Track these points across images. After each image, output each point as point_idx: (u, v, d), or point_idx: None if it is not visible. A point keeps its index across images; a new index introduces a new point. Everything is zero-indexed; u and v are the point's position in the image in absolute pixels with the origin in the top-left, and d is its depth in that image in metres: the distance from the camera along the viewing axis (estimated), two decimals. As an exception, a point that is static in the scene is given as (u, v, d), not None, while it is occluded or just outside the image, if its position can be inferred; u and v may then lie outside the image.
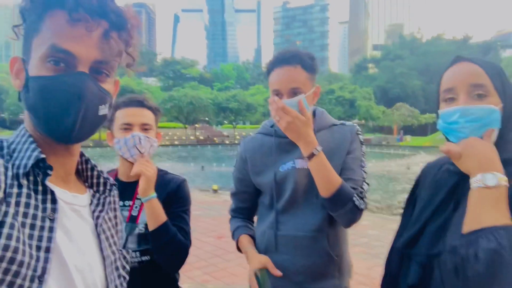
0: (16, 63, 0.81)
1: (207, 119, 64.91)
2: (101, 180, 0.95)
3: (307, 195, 1.64)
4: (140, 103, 1.68)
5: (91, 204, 0.90)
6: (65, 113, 0.74)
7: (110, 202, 0.95)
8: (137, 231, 1.62)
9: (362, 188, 1.64)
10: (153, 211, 1.55)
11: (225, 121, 68.08)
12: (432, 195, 1.19)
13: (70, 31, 0.74)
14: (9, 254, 0.65)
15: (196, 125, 62.58)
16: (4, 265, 0.65)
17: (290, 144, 1.64)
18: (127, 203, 1.67)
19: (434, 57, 75.59)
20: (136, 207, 1.65)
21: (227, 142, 54.87)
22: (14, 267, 0.66)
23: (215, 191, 11.81)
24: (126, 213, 1.64)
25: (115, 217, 0.99)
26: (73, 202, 0.84)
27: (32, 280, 0.68)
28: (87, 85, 0.75)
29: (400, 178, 16.43)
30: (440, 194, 1.16)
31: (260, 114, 61.95)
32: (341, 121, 1.81)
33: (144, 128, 1.66)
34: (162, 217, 1.56)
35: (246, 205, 1.88)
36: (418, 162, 21.06)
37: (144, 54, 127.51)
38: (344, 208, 1.52)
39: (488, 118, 1.06)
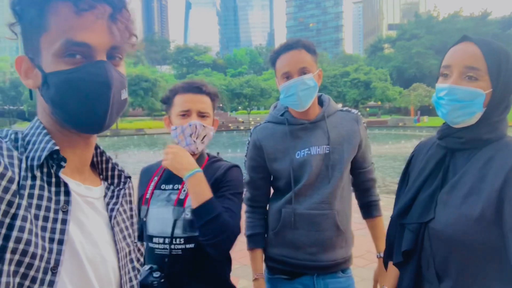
0: (23, 62, 0.79)
1: (221, 105, 64.94)
2: (116, 173, 0.95)
3: (321, 177, 1.82)
4: (199, 89, 1.65)
5: (105, 196, 0.90)
6: (96, 103, 0.74)
7: (124, 195, 0.95)
8: (183, 216, 1.57)
9: (373, 172, 2.01)
10: (194, 188, 1.49)
11: (240, 107, 68.06)
12: (422, 168, 1.27)
13: (80, 22, 0.73)
14: (21, 246, 0.66)
15: (211, 112, 62.60)
16: (17, 257, 0.65)
17: (303, 130, 1.85)
18: (177, 186, 1.64)
19: (451, 35, 73.59)
20: (184, 190, 1.61)
21: (241, 128, 54.94)
22: (26, 259, 0.66)
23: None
24: (175, 197, 1.61)
25: (131, 209, 0.98)
26: (87, 195, 0.84)
27: (45, 272, 0.69)
28: (110, 72, 0.76)
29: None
30: (429, 167, 1.24)
31: (275, 99, 61.47)
32: (346, 108, 1.99)
33: (202, 115, 1.64)
34: (206, 194, 1.49)
35: (262, 192, 1.97)
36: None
37: (158, 42, 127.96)
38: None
39: (470, 101, 1.12)
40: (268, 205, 1.98)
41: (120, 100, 0.80)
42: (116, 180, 0.95)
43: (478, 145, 1.16)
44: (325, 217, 1.80)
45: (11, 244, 0.65)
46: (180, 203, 1.59)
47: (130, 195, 0.99)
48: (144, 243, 1.27)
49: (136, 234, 0.98)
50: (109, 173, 0.95)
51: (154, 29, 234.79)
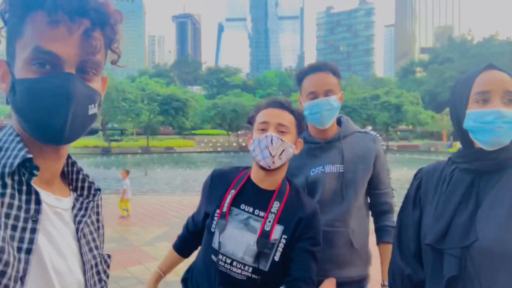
0: (1, 66, 0.79)
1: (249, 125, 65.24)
2: (86, 184, 0.94)
3: (334, 195, 1.88)
4: (280, 104, 1.61)
5: (73, 207, 0.89)
6: (54, 115, 0.73)
7: (93, 206, 0.94)
8: (266, 250, 1.51)
9: (392, 198, 2.02)
10: None
11: (268, 128, 68.05)
12: (450, 193, 1.27)
13: (52, 33, 0.73)
14: None
15: (239, 132, 63.19)
16: None
17: (319, 150, 1.94)
18: (258, 212, 1.56)
19: (486, 59, 71.85)
20: (269, 221, 1.53)
21: (269, 148, 54.79)
22: (0, 267, 0.65)
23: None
24: (256, 224, 1.54)
25: (98, 220, 0.98)
26: (56, 205, 0.83)
27: (16, 281, 0.68)
28: (74, 85, 0.74)
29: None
30: (459, 191, 1.25)
31: (303, 120, 61.37)
32: (364, 129, 2.06)
33: (280, 130, 1.55)
34: None
35: None
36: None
37: (190, 64, 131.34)
38: None
39: None
40: None
41: (84, 115, 0.78)
42: (85, 192, 0.94)
43: (507, 164, 1.21)
44: (339, 234, 1.86)
45: None
46: (266, 235, 1.51)
47: (98, 206, 0.98)
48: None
49: (102, 245, 0.97)
50: (79, 184, 0.94)
51: (187, 51, 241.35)
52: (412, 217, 1.37)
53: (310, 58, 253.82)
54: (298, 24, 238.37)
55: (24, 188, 0.75)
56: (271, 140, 1.51)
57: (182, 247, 1.85)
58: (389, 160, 2.11)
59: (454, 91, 1.33)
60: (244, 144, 58.71)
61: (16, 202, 0.72)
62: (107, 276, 0.97)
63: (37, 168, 0.75)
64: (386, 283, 1.80)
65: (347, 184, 1.88)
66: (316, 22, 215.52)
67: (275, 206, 1.55)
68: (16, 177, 0.74)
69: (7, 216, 0.70)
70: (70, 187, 0.93)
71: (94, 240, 0.93)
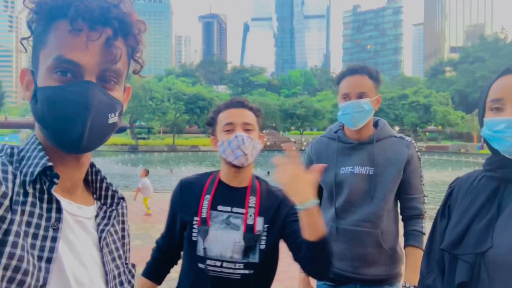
0: (26, 75, 0.81)
1: (274, 125, 65.34)
2: (109, 193, 0.94)
3: (364, 197, 1.94)
4: (241, 103, 1.65)
5: (97, 216, 0.89)
6: (72, 123, 0.74)
7: (117, 215, 0.95)
8: (253, 243, 1.54)
9: (423, 204, 2.02)
10: (313, 219, 1.31)
11: (292, 127, 68.01)
12: (472, 200, 1.25)
13: (73, 41, 0.74)
14: (14, 263, 0.65)
15: (263, 131, 63.19)
16: (9, 273, 0.64)
17: (351, 149, 2.00)
18: (236, 210, 1.59)
19: (521, 58, 69.42)
20: (250, 215, 1.57)
21: (293, 148, 54.61)
22: (19, 276, 0.65)
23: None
24: (237, 221, 1.57)
25: (123, 229, 0.97)
26: (78, 214, 0.83)
27: None
28: (93, 93, 0.75)
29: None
30: (481, 198, 1.22)
31: (328, 120, 60.96)
32: (400, 135, 2.08)
33: (246, 128, 1.60)
34: (323, 227, 1.35)
35: None
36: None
37: (216, 63, 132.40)
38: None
39: None
40: None
41: (104, 124, 0.78)
42: (109, 201, 0.93)
43: None
44: (367, 235, 1.92)
45: (3, 260, 0.64)
46: (250, 228, 1.55)
47: (123, 215, 0.98)
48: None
49: (128, 255, 0.97)
50: (103, 192, 0.93)
51: (213, 51, 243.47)
52: (440, 225, 1.36)
53: (336, 57, 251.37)
54: (324, 23, 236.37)
55: (45, 196, 0.75)
56: (243, 140, 1.54)
57: (155, 272, 1.76)
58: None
59: (479, 96, 1.29)
60: (268, 143, 58.72)
61: (37, 211, 0.73)
62: (132, 286, 0.96)
63: (58, 177, 0.76)
64: (407, 284, 1.84)
65: (377, 187, 1.93)
66: (342, 20, 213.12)
67: (252, 200, 1.60)
68: (38, 186, 0.75)
69: (28, 224, 0.71)
70: (94, 195, 0.92)
71: (117, 249, 0.92)
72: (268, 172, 21.24)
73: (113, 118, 0.80)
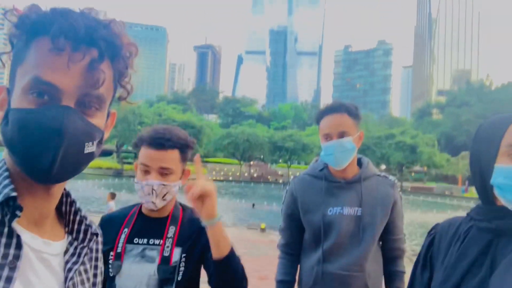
0: (1, 93, 0.75)
1: (262, 157, 65.33)
2: (82, 227, 0.85)
3: (352, 239, 1.88)
4: (161, 145, 1.53)
5: (66, 252, 0.81)
6: (42, 150, 0.67)
7: (89, 252, 0.86)
8: (169, 275, 1.50)
9: (404, 244, 2.03)
10: (220, 235, 1.32)
11: (280, 160, 67.99)
12: (462, 254, 1.12)
13: (52, 61, 0.68)
14: None
15: (251, 162, 63.16)
16: None
17: (338, 188, 1.95)
18: (153, 241, 1.55)
19: (504, 104, 71.44)
20: (167, 246, 1.53)
21: (280, 181, 54.63)
22: None
23: (262, 230, 11.65)
24: (153, 253, 1.53)
25: (95, 267, 0.89)
26: (43, 250, 0.75)
27: None
28: (69, 119, 0.68)
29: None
30: (472, 252, 1.09)
31: (316, 154, 61.04)
32: (383, 173, 2.05)
33: (164, 172, 1.54)
34: (229, 244, 1.35)
35: (295, 240, 2.04)
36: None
37: (208, 92, 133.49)
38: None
39: None
40: (301, 257, 2.04)
41: (79, 153, 0.71)
42: (81, 235, 0.85)
43: None
44: (355, 279, 1.86)
45: None
46: (166, 260, 1.50)
47: (97, 251, 0.90)
48: None
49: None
50: (76, 226, 0.85)
51: (206, 80, 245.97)
52: (420, 278, 1.24)
53: (327, 94, 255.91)
54: (316, 60, 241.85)
55: (5, 230, 0.68)
56: (152, 190, 1.51)
57: None
58: (403, 202, 2.07)
59: (479, 137, 1.14)
60: (255, 175, 58.53)
61: None
62: None
63: (20, 209, 0.69)
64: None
65: (365, 228, 1.89)
66: (334, 59, 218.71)
67: (171, 230, 1.56)
68: None
69: None
70: (66, 228, 0.85)
71: None
72: (253, 204, 21.00)
73: (90, 148, 0.73)
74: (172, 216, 1.60)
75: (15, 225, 0.69)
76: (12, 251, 0.67)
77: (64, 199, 0.84)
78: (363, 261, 1.86)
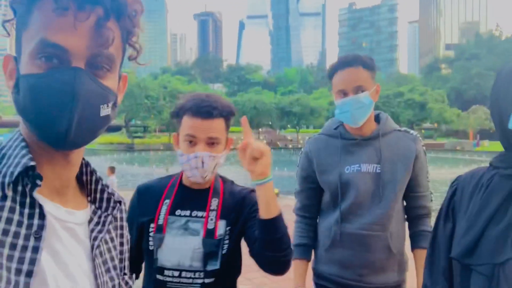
0: (9, 62, 0.73)
1: (270, 123, 65.26)
2: (105, 196, 0.85)
3: (372, 197, 1.79)
4: (209, 114, 1.44)
5: (90, 222, 0.81)
6: (57, 115, 0.66)
7: (114, 220, 0.86)
8: (214, 248, 1.44)
9: (430, 202, 1.92)
10: (269, 195, 1.31)
11: (289, 125, 67.93)
12: (485, 202, 1.11)
13: (58, 22, 0.66)
14: None
15: (260, 129, 63.20)
16: None
17: (355, 146, 1.84)
18: (196, 213, 1.48)
19: (516, 55, 69.74)
20: (211, 219, 1.46)
21: (290, 146, 54.82)
22: None
23: (276, 195, 11.81)
24: (197, 225, 1.46)
25: (121, 235, 0.89)
26: (67, 219, 0.75)
27: None
28: (82, 81, 0.67)
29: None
30: (496, 200, 1.09)
31: (324, 118, 60.94)
32: (404, 128, 1.94)
33: (211, 142, 1.46)
34: (278, 205, 1.33)
35: (311, 202, 1.96)
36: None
37: (211, 61, 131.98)
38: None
39: None
40: (318, 219, 1.96)
41: (95, 116, 0.70)
42: (104, 204, 0.84)
43: None
44: (376, 239, 1.76)
45: None
46: (211, 233, 1.44)
47: (121, 219, 0.90)
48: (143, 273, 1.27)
49: (126, 263, 0.89)
50: (98, 195, 0.85)
51: (208, 49, 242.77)
52: (443, 230, 1.23)
53: (332, 55, 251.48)
54: (320, 20, 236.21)
55: (27, 200, 0.67)
56: (202, 163, 1.43)
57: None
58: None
59: (497, 85, 1.13)
60: (265, 141, 58.69)
61: (15, 217, 0.65)
62: None
63: (41, 178, 0.68)
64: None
65: (385, 186, 1.78)
66: (338, 18, 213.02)
67: (214, 203, 1.50)
68: (20, 188, 0.68)
69: (5, 233, 0.63)
70: (89, 198, 0.84)
71: (112, 259, 0.83)
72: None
73: (105, 110, 0.72)
74: (213, 188, 1.54)
75: (37, 195, 0.68)
76: (36, 221, 0.67)
77: (84, 169, 0.84)
78: (386, 220, 1.76)
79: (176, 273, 1.42)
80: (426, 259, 1.28)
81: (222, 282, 1.46)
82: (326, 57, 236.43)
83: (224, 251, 1.45)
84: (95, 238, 0.79)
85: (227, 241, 1.47)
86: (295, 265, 1.89)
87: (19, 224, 0.65)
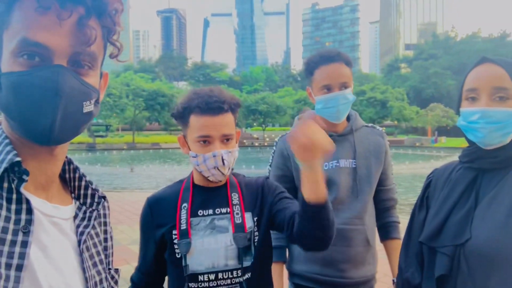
0: None
1: (236, 121, 65.16)
2: (89, 192, 0.86)
3: (351, 192, 1.82)
4: (220, 109, 1.36)
5: (75, 217, 0.81)
6: (41, 112, 0.66)
7: (98, 216, 0.87)
8: (247, 242, 1.36)
9: (396, 193, 1.99)
10: (320, 177, 1.14)
11: (255, 124, 68.14)
12: (450, 191, 1.23)
13: (40, 21, 0.66)
14: None
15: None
16: None
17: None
18: (220, 210, 1.41)
19: (469, 56, 73.04)
20: (237, 213, 1.39)
21: (256, 144, 54.93)
22: None
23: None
24: (224, 222, 1.39)
25: (105, 231, 0.90)
26: (53, 214, 0.75)
27: None
28: (65, 79, 0.67)
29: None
30: (459, 189, 1.20)
31: (289, 116, 61.59)
32: (371, 124, 2.01)
33: (226, 138, 1.39)
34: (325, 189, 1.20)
35: None
36: (453, 164, 20.23)
37: (175, 59, 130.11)
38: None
39: (507, 121, 1.11)
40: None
41: (79, 113, 0.71)
42: (89, 200, 0.86)
43: (510, 163, 1.16)
44: (356, 232, 1.80)
45: None
46: (240, 227, 1.36)
47: (104, 216, 0.90)
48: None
49: (111, 259, 0.90)
50: (82, 191, 0.86)
51: (172, 46, 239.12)
52: (418, 218, 1.33)
53: (296, 54, 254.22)
54: (284, 19, 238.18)
55: (14, 196, 0.68)
56: (222, 160, 1.36)
57: None
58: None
59: (459, 85, 1.26)
60: (230, 140, 58.49)
61: (3, 213, 0.65)
62: None
63: (27, 173, 0.68)
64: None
65: (361, 180, 1.83)
66: (302, 18, 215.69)
67: (235, 197, 1.43)
68: (5, 184, 0.68)
69: None
70: (72, 195, 0.85)
71: (98, 253, 0.84)
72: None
73: (88, 107, 0.73)
74: (230, 183, 1.47)
75: (23, 190, 0.68)
76: (23, 216, 0.67)
77: (67, 167, 0.85)
78: (364, 213, 1.82)
79: (212, 276, 1.33)
80: (402, 244, 1.36)
81: (260, 276, 1.40)
82: (291, 56, 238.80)
83: (256, 243, 1.40)
84: (82, 233, 0.80)
85: (256, 233, 1.41)
86: (272, 268, 1.88)
87: (7, 219, 0.65)
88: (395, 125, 69.48)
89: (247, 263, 1.36)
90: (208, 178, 1.41)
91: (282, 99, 65.88)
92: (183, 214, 1.39)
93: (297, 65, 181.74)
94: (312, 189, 1.13)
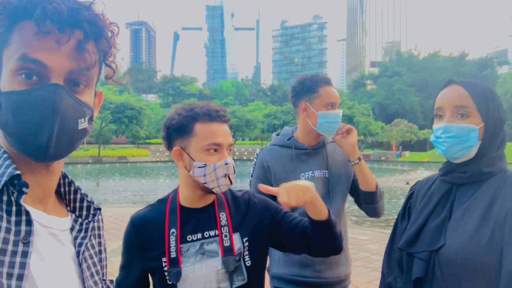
0: None
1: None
2: (85, 204, 0.88)
3: (325, 199, 1.87)
4: (225, 118, 1.38)
5: (72, 229, 0.83)
6: (38, 129, 0.69)
7: (93, 228, 0.88)
8: (241, 264, 1.37)
9: None
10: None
11: (224, 137, 67.97)
12: (427, 201, 1.35)
13: (40, 43, 0.69)
14: None
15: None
16: None
17: (307, 155, 2.08)
18: (208, 233, 1.38)
19: (431, 73, 76.21)
20: (225, 235, 1.37)
21: (226, 158, 54.67)
22: None
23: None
24: (213, 246, 1.37)
25: (99, 244, 0.92)
26: (51, 226, 0.77)
27: None
28: (61, 97, 0.70)
29: (399, 193, 16.43)
30: (435, 199, 1.32)
31: (259, 130, 61.98)
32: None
33: (229, 148, 1.39)
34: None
35: None
36: (417, 178, 21.01)
37: (144, 71, 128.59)
38: (382, 200, 2.00)
39: (466, 135, 1.24)
40: None
41: (73, 130, 0.73)
42: (85, 212, 0.88)
43: (481, 178, 1.25)
44: None
45: None
46: (229, 250, 1.35)
47: (99, 228, 0.92)
48: None
49: (105, 270, 0.92)
50: (77, 204, 0.88)
51: (141, 59, 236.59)
52: (400, 227, 1.43)
53: (266, 69, 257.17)
54: (254, 35, 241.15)
55: (14, 208, 0.70)
56: (233, 168, 1.36)
57: None
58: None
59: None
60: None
61: (4, 224, 0.67)
62: None
63: (27, 185, 0.70)
64: (354, 162, 1.98)
65: (334, 188, 2.05)
66: (271, 34, 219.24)
67: (222, 217, 1.40)
68: (5, 197, 0.70)
69: None
70: (68, 208, 0.87)
71: (94, 264, 0.87)
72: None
73: (83, 124, 0.75)
74: (217, 202, 1.44)
75: (22, 203, 0.70)
76: (23, 227, 0.69)
77: (61, 181, 0.87)
78: (337, 218, 1.90)
79: None
80: (385, 251, 1.46)
81: None
82: (261, 70, 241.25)
83: (248, 263, 1.38)
84: (80, 244, 0.81)
85: (247, 253, 1.39)
86: None
87: (8, 230, 0.67)
88: (361, 140, 71.10)
89: (238, 283, 1.36)
90: (213, 190, 1.36)
91: (252, 113, 66.25)
92: (172, 241, 1.35)
93: (267, 79, 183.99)
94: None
